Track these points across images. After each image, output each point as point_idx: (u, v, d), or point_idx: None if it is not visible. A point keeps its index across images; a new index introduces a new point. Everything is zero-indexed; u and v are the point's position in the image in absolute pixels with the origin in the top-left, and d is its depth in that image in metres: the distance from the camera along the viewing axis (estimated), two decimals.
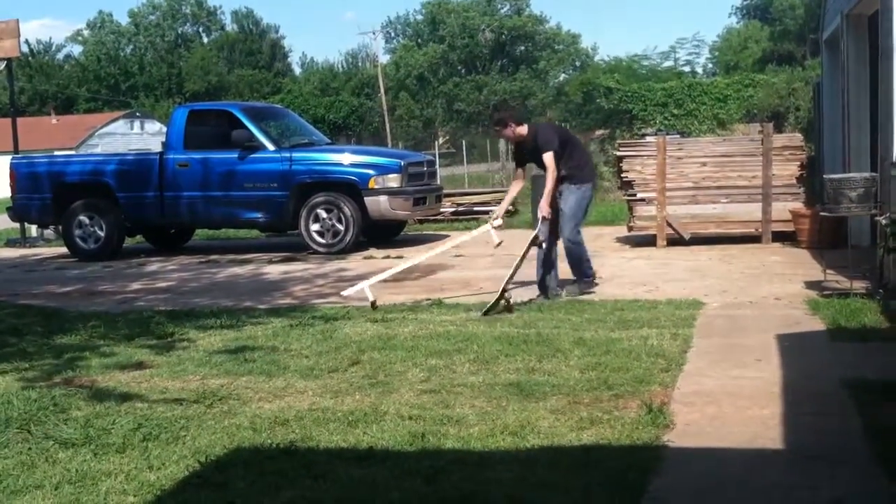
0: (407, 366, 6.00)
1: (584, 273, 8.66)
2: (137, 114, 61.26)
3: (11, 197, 14.88)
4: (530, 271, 8.64)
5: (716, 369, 5.69)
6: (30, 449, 4.59)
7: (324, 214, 13.18)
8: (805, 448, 4.24)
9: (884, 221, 7.61)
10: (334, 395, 5.39)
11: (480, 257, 11.79)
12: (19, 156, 15.64)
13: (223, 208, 13.67)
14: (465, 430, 4.62)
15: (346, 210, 13.08)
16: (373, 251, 12.94)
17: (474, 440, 4.46)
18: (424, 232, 15.77)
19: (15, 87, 21.36)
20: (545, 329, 6.92)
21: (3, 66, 18.53)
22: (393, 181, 13.31)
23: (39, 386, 5.83)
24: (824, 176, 9.05)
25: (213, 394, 5.50)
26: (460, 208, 17.35)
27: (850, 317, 6.93)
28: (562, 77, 68.67)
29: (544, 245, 8.37)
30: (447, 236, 14.66)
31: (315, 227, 13.22)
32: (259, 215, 13.61)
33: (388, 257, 12.22)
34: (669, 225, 12.16)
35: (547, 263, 8.51)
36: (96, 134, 55.44)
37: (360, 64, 75.95)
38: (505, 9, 73.91)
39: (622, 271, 10.13)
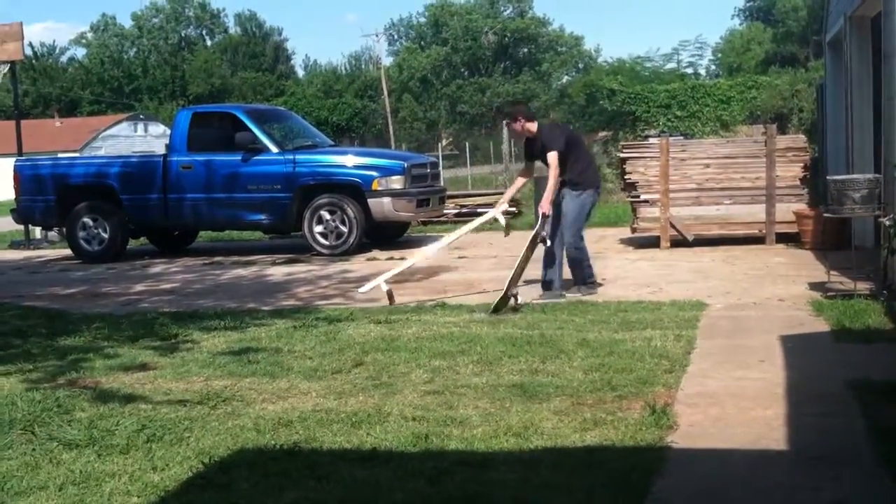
0: (410, 367, 6.00)
1: (583, 278, 8.67)
2: (141, 116, 61.33)
3: (15, 199, 14.92)
4: (535, 272, 8.66)
5: (719, 370, 5.68)
6: (34, 450, 4.60)
7: (327, 216, 13.19)
8: (809, 449, 4.24)
9: (887, 222, 7.61)
10: (338, 397, 5.40)
11: (483, 259, 11.80)
12: (23, 158, 15.67)
13: (227, 210, 13.69)
14: (468, 431, 4.62)
15: (350, 212, 13.08)
16: (376, 253, 12.94)
17: (478, 441, 4.46)
18: (428, 233, 15.77)
19: (19, 90, 21.39)
20: (549, 330, 6.92)
21: (7, 68, 18.56)
22: (396, 183, 13.31)
23: (43, 387, 5.84)
24: (828, 177, 9.05)
25: (216, 395, 5.50)
26: (463, 210, 17.35)
27: (854, 318, 6.93)
28: (565, 79, 68.64)
29: (548, 242, 8.41)
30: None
31: (318, 228, 13.22)
32: (262, 217, 13.63)
33: (391, 259, 12.22)
34: (673, 226, 12.15)
35: (549, 260, 8.54)
36: (100, 136, 55.50)
37: (363, 66, 75.95)
38: (508, 11, 73.93)
39: (626, 273, 10.13)
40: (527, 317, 7.56)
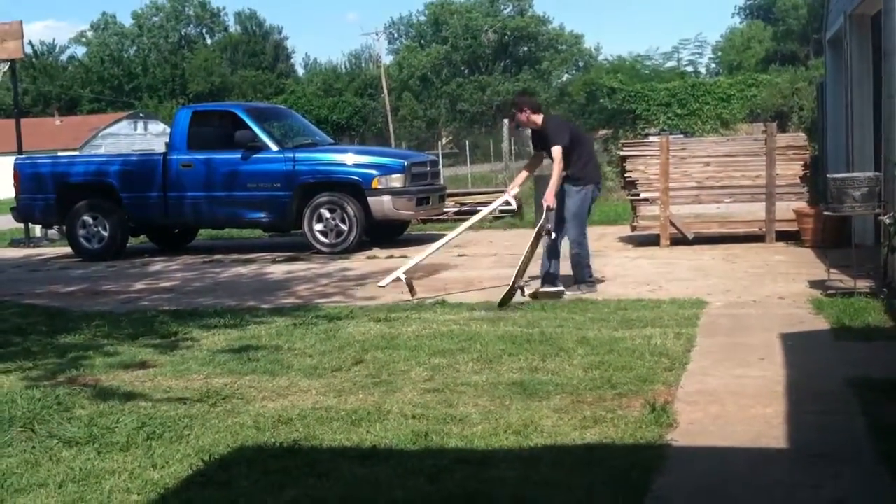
0: (410, 365, 6.00)
1: (583, 276, 8.68)
2: (141, 115, 61.30)
3: (15, 197, 14.92)
4: (537, 268, 8.67)
5: (719, 368, 5.68)
6: (34, 447, 4.60)
7: (327, 214, 13.19)
8: (809, 447, 4.24)
9: (887, 220, 7.60)
10: (338, 394, 5.40)
11: (484, 257, 11.80)
12: (23, 156, 15.67)
13: (227, 208, 13.69)
14: (468, 429, 4.62)
15: (350, 210, 13.08)
16: (376, 251, 12.94)
17: (478, 439, 4.46)
18: (427, 232, 15.77)
19: (19, 89, 21.39)
20: (548, 328, 6.92)
21: (7, 67, 18.57)
22: (396, 181, 13.31)
23: (43, 385, 5.84)
24: (828, 175, 9.04)
25: (216, 393, 5.50)
26: (463, 208, 17.33)
27: (854, 316, 6.93)
28: (565, 77, 68.67)
29: (552, 235, 8.44)
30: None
31: (318, 226, 13.22)
32: (262, 215, 13.63)
33: (391, 257, 12.23)
34: (673, 224, 12.15)
35: (552, 254, 8.59)
36: (100, 135, 55.47)
37: (363, 65, 75.94)
38: (508, 9, 73.92)
39: (626, 271, 10.13)
40: (527, 315, 7.56)
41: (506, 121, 25.04)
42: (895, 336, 6.32)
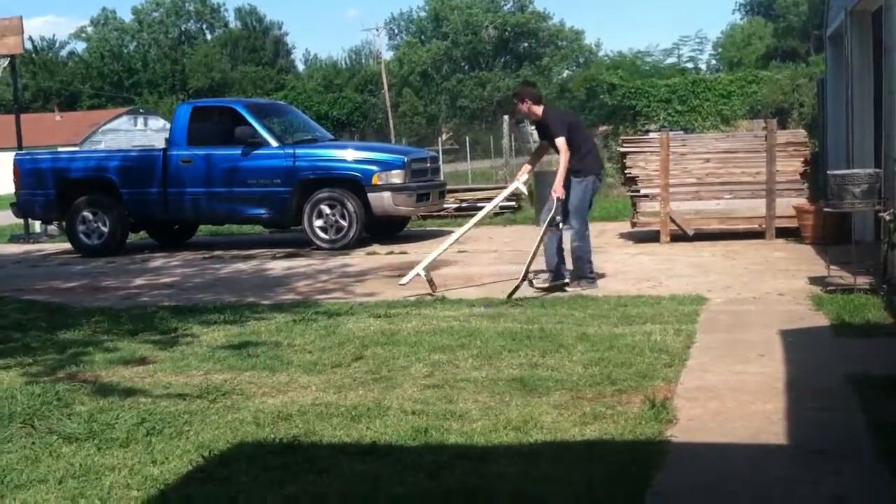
0: (410, 361, 6.00)
1: (583, 272, 8.69)
2: (141, 110, 61.31)
3: (15, 193, 14.92)
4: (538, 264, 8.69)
5: (719, 365, 5.68)
6: (33, 443, 4.60)
7: (327, 210, 13.19)
8: (808, 443, 4.24)
9: (887, 217, 7.60)
10: (337, 391, 5.40)
11: (484, 253, 11.80)
12: (23, 152, 15.67)
13: (226, 204, 13.68)
14: (468, 425, 4.62)
15: (350, 206, 13.08)
16: (376, 247, 12.94)
17: (477, 435, 4.46)
18: (427, 228, 15.77)
19: (18, 84, 21.37)
20: (548, 324, 6.92)
21: (7, 62, 18.54)
22: (396, 177, 13.31)
23: (43, 381, 5.84)
24: (828, 172, 9.03)
25: (216, 389, 5.50)
26: (463, 204, 17.33)
27: (854, 312, 6.92)
28: (565, 73, 68.61)
29: (562, 225, 8.47)
30: (451, 232, 14.66)
31: (318, 222, 13.22)
32: (262, 211, 13.63)
33: (391, 253, 12.23)
34: (673, 221, 12.14)
35: (558, 246, 8.64)
36: (100, 130, 55.49)
37: (363, 60, 75.91)
38: (508, 5, 73.88)
39: (626, 267, 10.12)
40: (527, 311, 7.56)
41: (506, 117, 25.06)
42: (895, 333, 6.32)
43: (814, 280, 8.45)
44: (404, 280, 8.88)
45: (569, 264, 8.78)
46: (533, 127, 11.48)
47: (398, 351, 6.27)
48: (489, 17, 70.45)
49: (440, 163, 19.52)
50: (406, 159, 13.63)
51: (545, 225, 8.57)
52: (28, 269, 12.90)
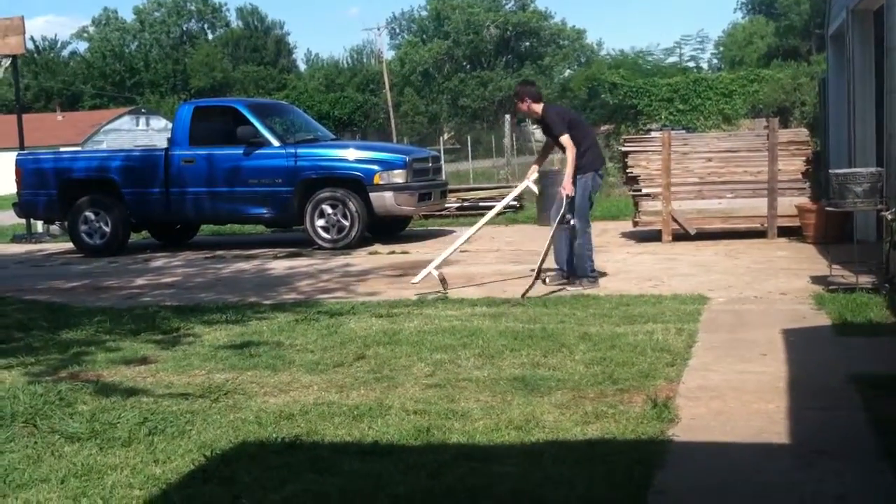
0: (412, 360, 6.00)
1: (585, 271, 8.70)
2: (143, 110, 61.36)
3: (17, 193, 14.93)
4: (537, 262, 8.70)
5: (721, 364, 5.68)
6: (36, 443, 4.60)
7: (329, 210, 13.19)
8: (810, 443, 4.24)
9: (889, 216, 7.59)
10: (339, 390, 5.40)
11: (486, 252, 11.80)
12: (25, 152, 15.69)
13: (228, 204, 13.69)
14: (469, 424, 4.62)
15: (352, 206, 13.08)
16: (378, 247, 12.95)
17: (479, 434, 4.46)
18: (429, 227, 15.77)
19: (20, 84, 21.38)
20: (550, 324, 6.92)
21: (9, 62, 18.56)
22: (398, 177, 13.31)
23: (45, 380, 5.85)
24: (830, 171, 9.03)
25: (218, 388, 5.51)
26: (465, 204, 17.34)
27: (856, 311, 6.92)
28: (567, 73, 68.61)
29: (572, 222, 8.49)
30: (453, 231, 14.68)
31: (320, 222, 13.23)
32: (264, 211, 13.63)
33: (393, 253, 12.24)
34: (675, 220, 12.14)
35: (571, 246, 8.69)
36: (101, 130, 55.55)
37: (364, 60, 75.95)
38: (510, 4, 73.87)
39: (627, 266, 10.12)
40: (528, 310, 7.56)
41: (507, 116, 25.07)
42: None
43: (816, 279, 8.45)
44: (416, 279, 8.89)
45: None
46: (535, 126, 11.51)
47: (400, 350, 6.27)
48: (491, 17, 70.44)
49: (442, 162, 19.53)
50: (408, 159, 13.63)
51: (555, 222, 8.61)
52: (30, 268, 12.91)
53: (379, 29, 68.09)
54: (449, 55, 69.25)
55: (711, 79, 27.30)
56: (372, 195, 13.13)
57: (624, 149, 13.10)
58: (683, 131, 18.76)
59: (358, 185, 13.19)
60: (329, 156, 13.61)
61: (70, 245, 14.63)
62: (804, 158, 12.30)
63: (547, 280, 8.67)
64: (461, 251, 11.70)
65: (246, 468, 4.13)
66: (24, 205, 14.91)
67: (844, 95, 11.76)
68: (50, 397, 5.37)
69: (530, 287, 8.27)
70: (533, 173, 9.27)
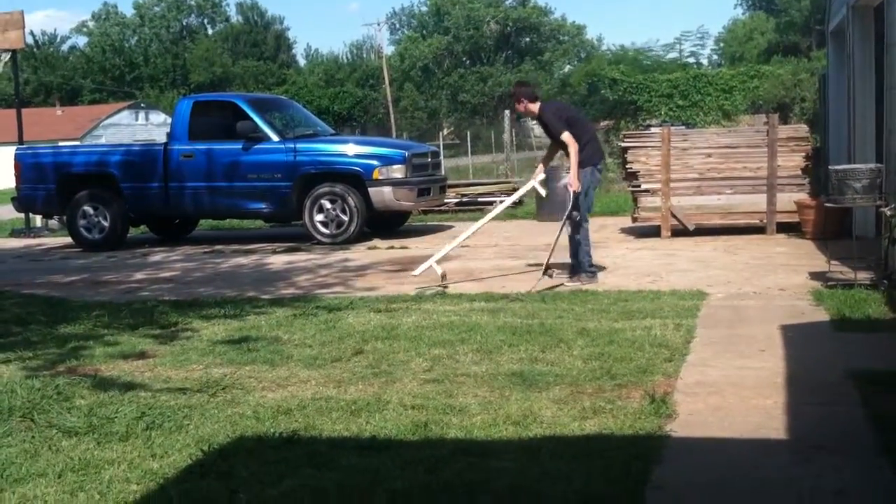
0: (410, 355, 6.00)
1: (583, 266, 8.71)
2: (142, 105, 61.30)
3: (16, 187, 14.92)
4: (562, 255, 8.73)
5: (719, 360, 5.68)
6: (33, 437, 4.60)
7: (328, 205, 13.18)
8: (809, 438, 4.24)
9: (888, 212, 7.59)
10: (337, 385, 5.40)
11: (484, 248, 11.79)
12: (24, 147, 15.67)
13: (227, 199, 13.68)
14: (467, 419, 4.62)
15: (351, 201, 13.07)
16: (377, 242, 12.94)
17: (477, 429, 4.46)
18: (428, 223, 15.76)
19: (20, 79, 21.36)
20: (548, 319, 6.92)
21: (8, 57, 18.54)
22: (397, 172, 13.30)
23: (43, 375, 5.84)
24: (829, 167, 9.02)
25: (216, 383, 5.51)
26: (464, 199, 17.34)
27: (855, 307, 6.92)
28: (567, 68, 68.58)
29: (578, 217, 8.50)
30: (452, 227, 14.67)
31: (319, 217, 13.22)
32: (263, 206, 13.62)
33: (392, 248, 12.23)
34: (674, 216, 12.14)
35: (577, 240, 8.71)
36: (101, 125, 55.49)
37: (364, 55, 75.84)
38: (509, 0, 73.76)
39: (626, 262, 10.12)
40: (526, 306, 7.56)
41: (507, 112, 25.04)
42: (895, 327, 6.31)
43: (814, 275, 8.45)
44: (417, 271, 8.93)
45: (564, 257, 8.83)
46: (534, 122, 11.51)
47: (398, 346, 6.27)
48: (490, 12, 70.33)
49: (441, 158, 19.51)
50: (407, 154, 13.62)
51: (564, 218, 8.63)
52: (29, 263, 12.90)
53: (379, 24, 68.09)
54: (449, 51, 69.17)
55: (711, 75, 27.29)
56: (371, 190, 13.12)
57: (623, 144, 13.09)
58: (683, 127, 18.74)
59: (357, 180, 13.18)
60: (328, 151, 13.60)
61: (69, 239, 14.63)
62: (804, 154, 12.29)
63: (554, 275, 8.67)
64: (460, 246, 11.70)
65: (243, 463, 4.13)
66: (22, 199, 14.90)
67: (844, 92, 11.74)
68: (48, 392, 5.37)
69: (539, 281, 8.32)
70: (539, 174, 9.23)
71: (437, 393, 5.11)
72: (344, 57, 76.54)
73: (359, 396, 5.11)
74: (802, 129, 13.03)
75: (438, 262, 8.91)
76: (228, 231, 16.35)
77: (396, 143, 17.66)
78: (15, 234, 17.02)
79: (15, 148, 15.37)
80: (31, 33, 68.85)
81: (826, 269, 8.42)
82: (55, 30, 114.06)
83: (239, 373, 5.77)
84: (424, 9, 75.50)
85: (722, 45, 70.92)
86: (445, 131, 51.18)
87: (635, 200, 12.71)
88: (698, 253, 10.62)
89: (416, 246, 12.24)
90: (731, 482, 3.80)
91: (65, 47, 78.86)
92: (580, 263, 8.70)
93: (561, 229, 8.75)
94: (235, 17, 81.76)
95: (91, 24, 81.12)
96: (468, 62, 69.99)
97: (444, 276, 8.76)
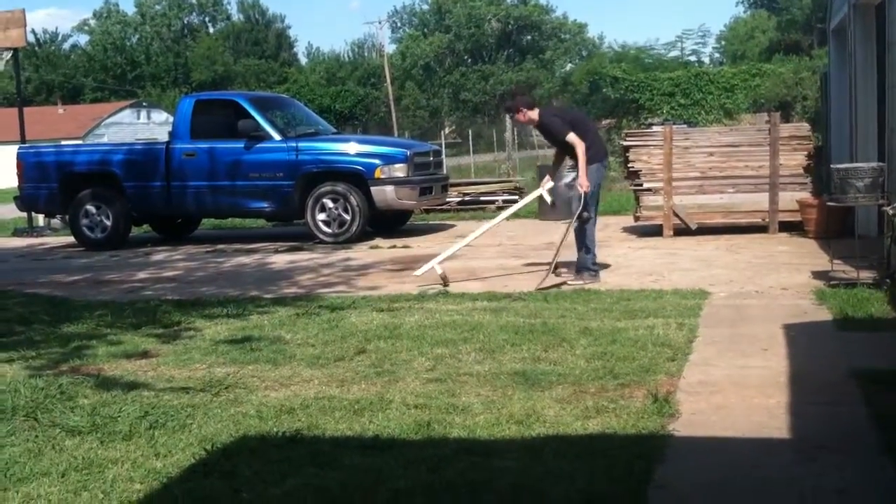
0: (413, 355, 6.00)
1: (586, 265, 8.72)
2: (144, 103, 61.31)
3: (19, 186, 14.92)
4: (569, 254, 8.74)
5: (722, 359, 5.68)
6: (37, 437, 4.61)
7: (330, 204, 13.18)
8: (811, 437, 4.24)
9: (891, 211, 7.59)
10: (340, 384, 5.40)
11: (486, 247, 11.79)
12: (26, 145, 15.68)
13: (229, 198, 13.68)
14: (470, 418, 4.63)
15: (353, 200, 13.08)
16: (379, 241, 12.94)
17: (480, 429, 4.46)
18: (430, 222, 15.76)
19: (21, 77, 21.37)
20: (551, 318, 6.92)
21: (10, 55, 18.54)
22: (399, 171, 13.30)
23: (46, 374, 5.85)
24: (831, 166, 9.02)
25: (219, 382, 5.51)
26: (466, 198, 17.33)
27: (858, 306, 6.92)
28: (568, 67, 68.56)
29: (584, 215, 8.54)
30: (454, 226, 14.68)
31: (321, 216, 13.22)
32: (265, 205, 13.62)
33: (394, 247, 12.23)
34: (676, 215, 12.13)
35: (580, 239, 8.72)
36: (103, 124, 55.52)
37: (366, 54, 75.90)
38: None
39: (628, 261, 10.12)
40: (529, 305, 7.56)
41: (509, 115, 25.06)
42: None
43: (817, 274, 8.44)
44: (419, 271, 8.92)
45: (570, 257, 8.83)
46: (536, 131, 11.51)
47: (401, 345, 6.28)
48: (492, 10, 70.35)
49: (443, 156, 19.52)
50: (409, 153, 13.62)
51: (573, 217, 8.65)
52: (31, 262, 12.91)
53: (380, 22, 68.06)
54: (450, 49, 69.20)
55: (713, 73, 27.27)
56: (373, 189, 13.12)
57: (625, 143, 13.08)
58: (685, 126, 18.74)
59: (359, 179, 13.18)
60: (330, 150, 13.60)
61: (71, 239, 14.64)
62: (805, 153, 12.28)
63: (561, 274, 8.68)
64: (464, 245, 11.70)
65: (247, 462, 4.14)
66: (25, 198, 14.91)
67: (846, 90, 11.74)
68: (51, 391, 5.38)
69: (545, 278, 8.35)
70: (548, 182, 9.19)
71: (440, 392, 5.12)
72: (345, 55, 76.63)
73: (362, 396, 5.12)
74: (804, 127, 13.02)
75: (441, 262, 8.90)
76: (231, 230, 16.35)
77: (398, 142, 17.65)
78: (17, 233, 17.03)
79: (17, 147, 15.37)
80: (33, 32, 68.93)
81: (828, 268, 8.42)
82: (57, 28, 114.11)
83: (242, 372, 5.77)
84: (426, 7, 75.55)
85: (723, 43, 70.87)
86: (447, 130, 51.20)
87: (637, 199, 12.71)
88: (700, 252, 10.62)
89: (418, 245, 12.24)
90: (733, 481, 3.80)
91: (66, 46, 78.99)
92: (584, 261, 8.71)
93: (568, 229, 8.75)
94: (237, 16, 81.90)
95: (92, 22, 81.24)
96: (470, 60, 70.03)
97: (444, 278, 8.73)
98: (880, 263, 8.03)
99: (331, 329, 6.91)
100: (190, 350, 6.44)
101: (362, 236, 13.17)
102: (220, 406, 5.03)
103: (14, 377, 5.80)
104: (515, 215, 15.69)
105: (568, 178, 9.47)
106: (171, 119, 22.43)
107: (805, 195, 11.86)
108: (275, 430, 4.59)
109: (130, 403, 5.09)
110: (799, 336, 6.19)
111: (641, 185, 12.49)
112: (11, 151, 15.88)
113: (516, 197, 16.37)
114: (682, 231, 12.07)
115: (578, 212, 8.56)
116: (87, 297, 9.16)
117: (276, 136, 13.51)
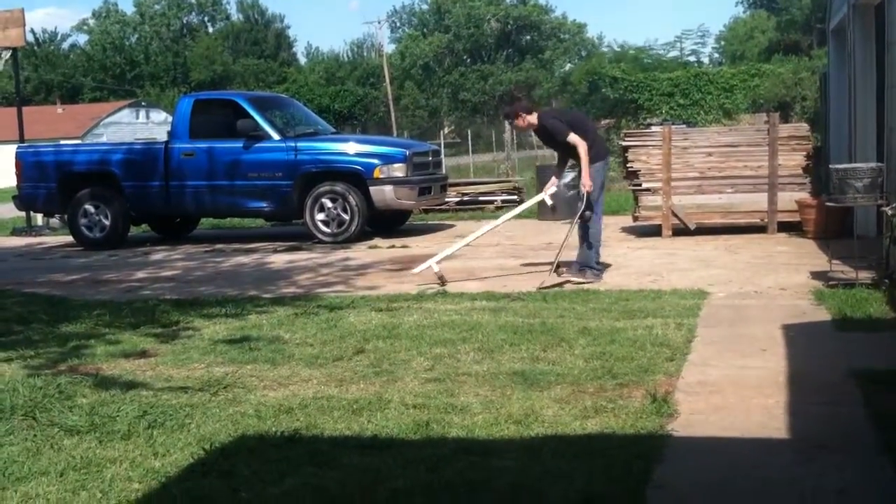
0: (411, 354, 6.00)
1: (589, 262, 8.72)
2: (143, 103, 61.27)
3: (17, 186, 14.92)
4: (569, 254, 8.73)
5: (720, 359, 5.68)
6: (35, 436, 4.61)
7: (329, 204, 13.17)
8: (811, 437, 4.24)
9: (890, 212, 7.59)
10: (339, 384, 5.40)
11: (486, 247, 11.78)
12: (25, 145, 15.67)
13: (228, 197, 13.68)
14: (469, 418, 4.62)
15: (352, 199, 13.07)
16: (378, 241, 12.93)
17: (478, 428, 4.46)
18: (429, 222, 15.76)
19: (20, 77, 21.36)
20: (549, 318, 6.92)
21: (9, 55, 18.52)
22: (398, 171, 13.30)
23: (45, 373, 5.85)
24: (830, 166, 9.02)
25: (217, 382, 5.51)
26: (465, 198, 17.32)
27: (856, 307, 6.92)
28: (567, 67, 68.57)
29: (587, 214, 8.58)
30: (453, 226, 14.68)
31: (320, 216, 13.21)
32: (264, 205, 13.62)
33: (392, 247, 12.23)
34: (675, 215, 12.13)
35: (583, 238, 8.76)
36: (102, 123, 55.46)
37: (365, 53, 75.89)
38: None
39: (627, 261, 10.12)
40: (528, 305, 7.56)
41: (507, 122, 25.04)
42: None
43: (816, 275, 8.44)
44: (417, 270, 8.94)
45: (568, 257, 8.83)
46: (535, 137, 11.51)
47: (399, 344, 6.27)
48: (491, 10, 70.36)
49: (442, 156, 19.51)
50: (408, 153, 13.62)
51: (576, 217, 8.65)
52: (30, 261, 12.91)
53: (379, 22, 68.04)
54: (449, 49, 69.20)
55: (712, 73, 27.29)
56: (372, 189, 13.12)
57: (624, 143, 13.08)
58: (684, 126, 18.74)
59: (358, 178, 13.17)
60: (329, 149, 13.59)
61: (70, 238, 14.63)
62: (804, 153, 12.28)
63: (563, 273, 8.69)
64: (463, 245, 11.70)
65: (245, 461, 4.13)
66: (24, 198, 14.90)
67: (845, 90, 11.74)
68: (49, 390, 5.37)
69: (548, 276, 8.36)
70: (551, 187, 9.17)
71: (439, 392, 5.11)
72: (344, 55, 76.63)
73: (360, 395, 5.12)
74: (803, 127, 13.02)
75: (439, 262, 8.90)
76: (229, 230, 16.35)
77: (397, 142, 17.65)
78: (16, 232, 17.02)
79: (16, 146, 15.37)
80: (32, 31, 68.89)
81: (827, 268, 8.42)
82: (56, 28, 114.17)
83: (240, 372, 5.77)
84: (425, 7, 75.55)
85: (723, 43, 70.91)
86: (446, 130, 51.19)
87: (636, 199, 12.70)
88: (699, 252, 10.61)
89: (416, 245, 12.24)
90: (732, 482, 3.80)
91: (65, 45, 78.94)
92: (588, 258, 8.71)
93: (570, 231, 8.73)
94: (236, 16, 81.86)
95: (91, 21, 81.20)
96: (469, 60, 70.04)
97: (441, 277, 8.72)
98: (879, 264, 8.03)
99: (329, 329, 6.91)
100: (188, 350, 6.43)
101: (361, 236, 13.16)
102: (219, 405, 5.03)
103: (12, 376, 5.79)
104: (516, 216, 15.75)
105: (567, 177, 9.47)
106: (169, 119, 22.43)
107: (804, 195, 11.86)
108: (273, 429, 4.58)
109: (129, 403, 5.09)
110: (798, 336, 6.19)
111: (640, 185, 12.48)
112: (10, 151, 15.87)
113: (515, 197, 16.39)
114: (681, 231, 12.07)
115: (581, 211, 8.56)
116: (85, 296, 9.15)
117: (275, 136, 13.50)
